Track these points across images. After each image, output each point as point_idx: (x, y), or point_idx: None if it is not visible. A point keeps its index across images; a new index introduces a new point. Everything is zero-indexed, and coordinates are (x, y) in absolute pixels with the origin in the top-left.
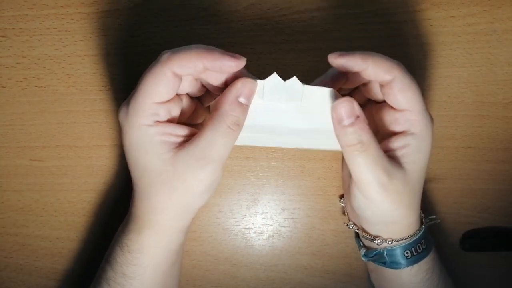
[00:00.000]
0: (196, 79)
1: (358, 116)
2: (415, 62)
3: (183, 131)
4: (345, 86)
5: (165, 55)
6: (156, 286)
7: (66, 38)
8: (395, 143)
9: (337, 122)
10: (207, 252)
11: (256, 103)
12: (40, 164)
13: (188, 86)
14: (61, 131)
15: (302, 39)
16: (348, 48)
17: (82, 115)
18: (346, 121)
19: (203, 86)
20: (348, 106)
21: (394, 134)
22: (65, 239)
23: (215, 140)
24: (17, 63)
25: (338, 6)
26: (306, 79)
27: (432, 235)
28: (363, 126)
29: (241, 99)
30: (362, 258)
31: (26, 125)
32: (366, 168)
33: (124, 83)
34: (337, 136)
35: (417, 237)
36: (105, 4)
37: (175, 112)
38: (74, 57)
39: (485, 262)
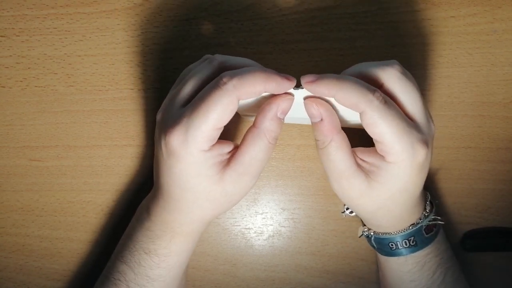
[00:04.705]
0: None
1: (322, 119)
2: (415, 62)
3: (228, 147)
4: None
5: (231, 83)
6: (175, 284)
7: (66, 38)
8: (369, 158)
9: (309, 116)
10: (207, 252)
11: None
12: (39, 164)
13: None
14: (60, 131)
15: (302, 39)
16: (348, 48)
17: (81, 115)
18: (313, 120)
19: None
20: (314, 108)
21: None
22: (65, 239)
23: (257, 156)
24: (17, 63)
25: (338, 6)
26: None
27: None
28: (324, 129)
29: (279, 114)
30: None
31: (26, 125)
32: (323, 162)
33: (123, 83)
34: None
35: (402, 234)
36: (104, 4)
37: None
38: (73, 57)
39: (485, 262)
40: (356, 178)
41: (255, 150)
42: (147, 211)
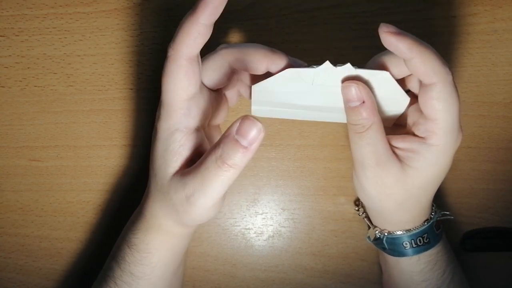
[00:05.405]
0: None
1: (364, 102)
2: None
3: (199, 148)
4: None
5: (170, 50)
6: (164, 285)
7: (65, 37)
8: (403, 144)
9: (345, 101)
10: (207, 253)
11: (304, 87)
12: (39, 164)
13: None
14: (60, 131)
15: (302, 39)
16: (348, 48)
17: (81, 115)
18: (352, 103)
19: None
20: (356, 90)
21: (413, 133)
22: (64, 239)
23: (201, 173)
24: (16, 62)
25: (338, 6)
26: None
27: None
28: (365, 112)
29: (241, 140)
30: (366, 239)
31: (25, 125)
32: (359, 149)
33: (123, 83)
34: (345, 111)
35: (417, 231)
36: (104, 4)
37: (203, 104)
38: (73, 57)
39: (485, 262)
40: (392, 164)
41: (200, 164)
42: (139, 205)
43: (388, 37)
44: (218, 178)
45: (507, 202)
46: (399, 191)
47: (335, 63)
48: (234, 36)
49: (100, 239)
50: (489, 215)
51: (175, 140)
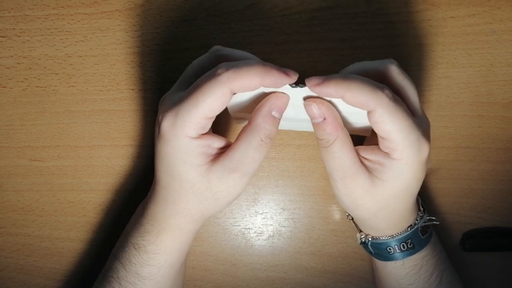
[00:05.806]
0: None
1: (325, 118)
2: (415, 62)
3: (219, 143)
4: None
5: (225, 75)
6: (168, 284)
7: (67, 38)
8: (372, 156)
9: (310, 118)
10: (207, 252)
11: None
12: (40, 164)
13: None
14: (61, 131)
15: (302, 39)
16: (348, 48)
17: (82, 115)
18: (315, 120)
19: None
20: (316, 108)
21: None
22: (65, 239)
23: (248, 153)
24: (18, 63)
25: (338, 6)
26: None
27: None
28: (328, 128)
29: (274, 113)
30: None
31: (27, 125)
32: (326, 162)
33: (124, 83)
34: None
35: (400, 237)
36: (105, 5)
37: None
38: (74, 58)
39: (485, 262)
40: (361, 175)
41: (246, 147)
42: (143, 207)
43: (315, 89)
44: (262, 152)
45: (506, 202)
46: (369, 201)
47: (336, 62)
48: (234, 36)
49: (101, 238)
50: (488, 215)
51: (196, 146)
